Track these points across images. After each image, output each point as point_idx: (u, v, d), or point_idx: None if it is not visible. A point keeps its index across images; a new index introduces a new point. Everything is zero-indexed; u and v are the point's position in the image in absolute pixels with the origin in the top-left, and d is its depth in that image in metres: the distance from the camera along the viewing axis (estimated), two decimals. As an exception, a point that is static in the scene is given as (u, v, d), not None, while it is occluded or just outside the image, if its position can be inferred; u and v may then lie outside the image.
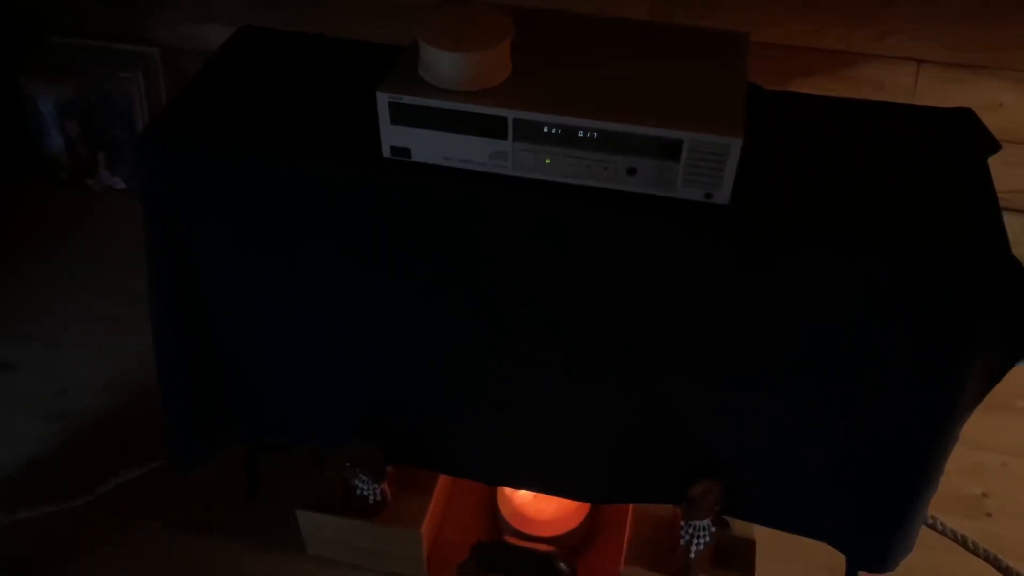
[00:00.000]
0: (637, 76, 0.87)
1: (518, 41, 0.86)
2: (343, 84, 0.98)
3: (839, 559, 1.10)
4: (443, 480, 1.22)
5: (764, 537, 1.14)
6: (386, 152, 0.88)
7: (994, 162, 0.94)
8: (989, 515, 1.31)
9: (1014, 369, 0.87)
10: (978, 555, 1.25)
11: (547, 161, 0.84)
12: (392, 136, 0.87)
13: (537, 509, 1.20)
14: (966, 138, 0.93)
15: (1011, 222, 1.68)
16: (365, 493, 1.14)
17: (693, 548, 1.07)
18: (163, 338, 1.06)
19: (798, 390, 0.93)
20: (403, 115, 0.84)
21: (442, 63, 0.83)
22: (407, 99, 0.84)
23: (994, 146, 0.95)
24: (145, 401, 1.44)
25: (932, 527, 1.27)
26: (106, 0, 1.79)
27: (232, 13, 1.72)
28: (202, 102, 0.97)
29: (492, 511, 1.25)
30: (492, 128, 0.83)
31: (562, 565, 1.13)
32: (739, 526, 1.14)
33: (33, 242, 1.76)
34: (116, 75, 1.79)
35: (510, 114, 0.82)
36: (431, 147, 0.86)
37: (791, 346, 0.90)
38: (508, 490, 1.22)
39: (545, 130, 0.83)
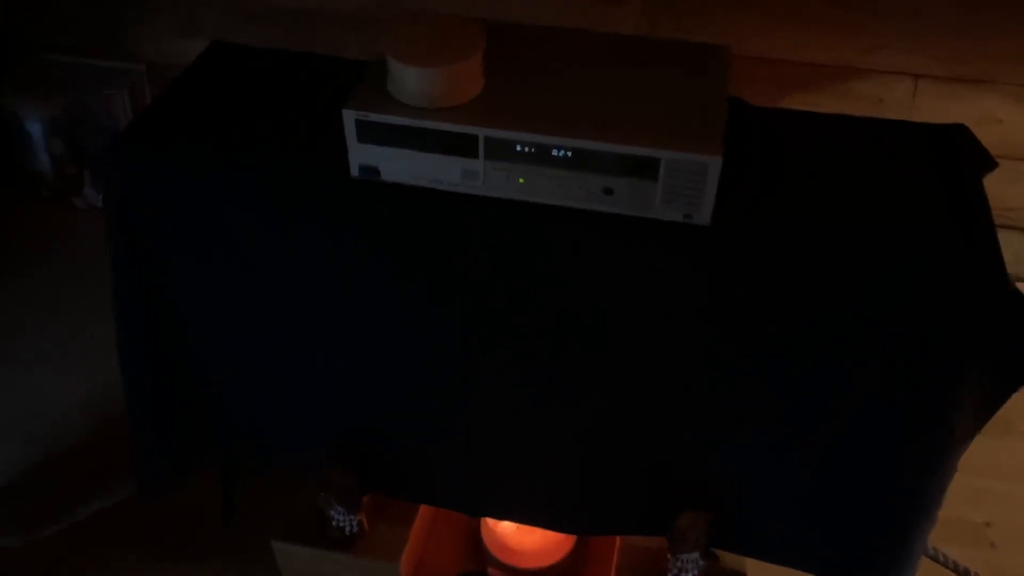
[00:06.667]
0: (614, 91, 0.83)
1: (490, 55, 0.83)
2: (314, 100, 0.95)
3: (834, 593, 1.06)
4: (424, 509, 1.18)
5: (756, 570, 1.10)
6: (354, 171, 0.84)
7: (993, 179, 0.90)
8: (993, 545, 1.26)
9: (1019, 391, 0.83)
10: (981, 587, 1.20)
11: (520, 180, 0.81)
12: (360, 155, 0.83)
13: (521, 540, 1.16)
14: (960, 156, 0.89)
15: (1012, 240, 1.64)
16: (341, 524, 1.10)
17: (681, 582, 1.03)
18: (129, 358, 1.03)
19: (784, 419, 0.89)
20: (370, 133, 0.81)
21: (410, 79, 0.79)
22: (374, 116, 0.80)
23: (990, 163, 0.92)
24: (121, 424, 1.40)
25: (933, 558, 1.22)
26: (90, 16, 1.77)
27: (218, 27, 1.70)
28: (169, 117, 0.94)
29: (475, 541, 1.21)
30: (462, 146, 0.80)
31: (546, 599, 1.09)
32: (729, 559, 1.09)
33: (15, 260, 1.74)
34: (101, 91, 1.77)
35: (481, 132, 0.79)
36: (401, 166, 0.83)
37: (775, 374, 0.86)
38: (491, 520, 1.18)
39: (517, 148, 0.79)
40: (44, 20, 1.79)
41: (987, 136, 0.96)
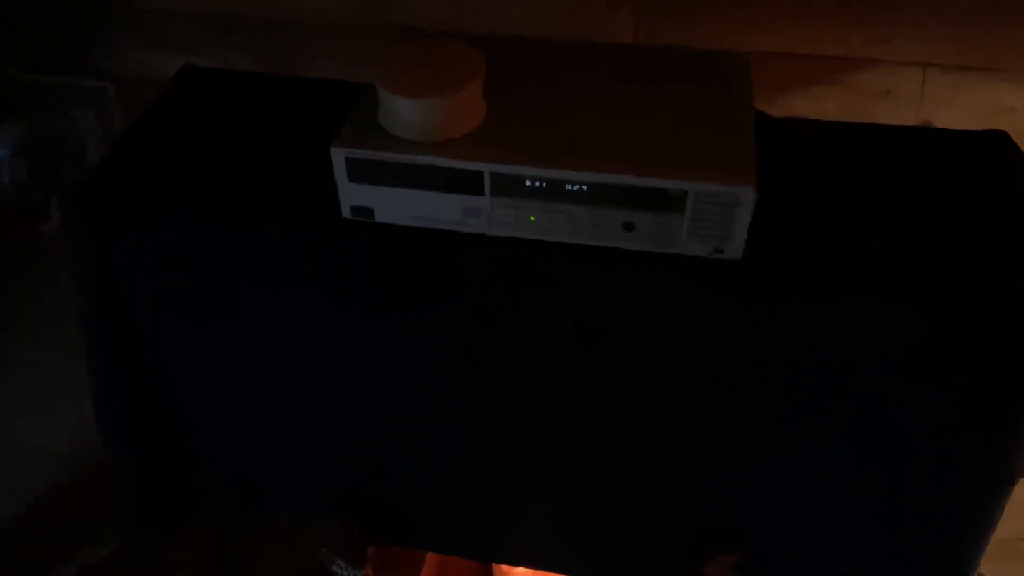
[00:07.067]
0: (629, 113, 0.75)
1: (490, 77, 0.75)
2: (297, 130, 0.87)
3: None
4: (431, 558, 1.11)
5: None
6: (346, 212, 0.77)
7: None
8: (1028, 561, 1.21)
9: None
10: (1019, 607, 1.15)
11: (531, 218, 0.73)
12: (352, 195, 0.75)
13: (536, 584, 1.09)
14: (1004, 165, 0.83)
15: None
16: (345, 579, 1.03)
17: (711, 628, 0.97)
18: (108, 414, 0.96)
19: (826, 456, 0.83)
20: (363, 172, 0.73)
21: (405, 111, 0.71)
22: (366, 154, 0.72)
23: (1031, 170, 0.85)
24: (107, 472, 1.32)
25: (968, 579, 1.16)
26: (51, 31, 1.67)
27: (187, 41, 1.61)
28: (141, 154, 0.87)
29: (487, 585, 1.15)
30: (466, 183, 0.72)
31: (566, 647, 1.02)
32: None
33: (-21, 295, 1.65)
34: (67, 112, 1.67)
35: (486, 167, 0.71)
36: (397, 206, 0.75)
37: (817, 408, 0.79)
38: (504, 567, 1.11)
39: (527, 184, 0.71)
40: (2, 36, 1.69)
41: (1001, 125, 0.90)
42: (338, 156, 0.73)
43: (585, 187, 0.71)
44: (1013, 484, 0.81)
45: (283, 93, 0.93)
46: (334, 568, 1.01)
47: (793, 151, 0.83)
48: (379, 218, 0.76)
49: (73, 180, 1.68)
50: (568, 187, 0.71)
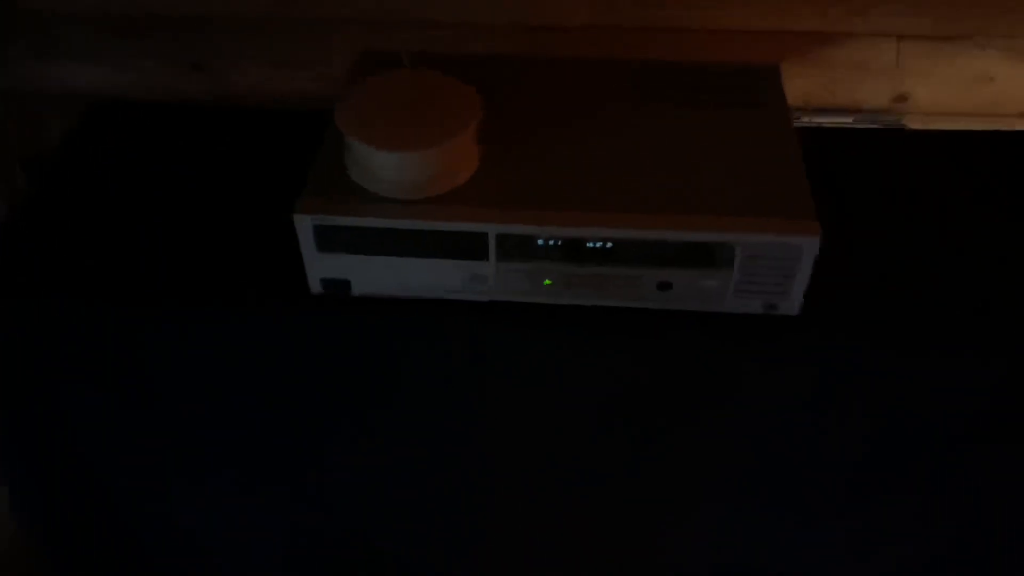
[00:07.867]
0: (652, 149, 0.63)
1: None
2: (241, 182, 0.72)
3: None
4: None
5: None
6: (315, 287, 0.63)
7: None
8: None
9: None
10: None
11: (546, 282, 0.61)
12: (322, 267, 0.61)
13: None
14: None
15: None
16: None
17: None
18: (31, 520, 0.82)
19: (886, 518, 0.74)
20: (335, 240, 0.59)
21: (385, 165, 0.58)
22: (339, 220, 0.58)
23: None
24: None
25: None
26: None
27: (81, 45, 1.41)
28: (49, 231, 0.71)
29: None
30: (466, 247, 0.59)
31: None
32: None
33: None
34: (-53, 132, 1.46)
35: (490, 228, 0.58)
36: (379, 276, 0.61)
37: (881, 472, 0.71)
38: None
39: (540, 243, 0.59)
40: None
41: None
42: (304, 224, 0.59)
43: (610, 244, 0.58)
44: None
45: (214, 128, 0.79)
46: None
47: (832, 166, 0.72)
48: (357, 291, 0.62)
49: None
50: (590, 245, 0.59)
